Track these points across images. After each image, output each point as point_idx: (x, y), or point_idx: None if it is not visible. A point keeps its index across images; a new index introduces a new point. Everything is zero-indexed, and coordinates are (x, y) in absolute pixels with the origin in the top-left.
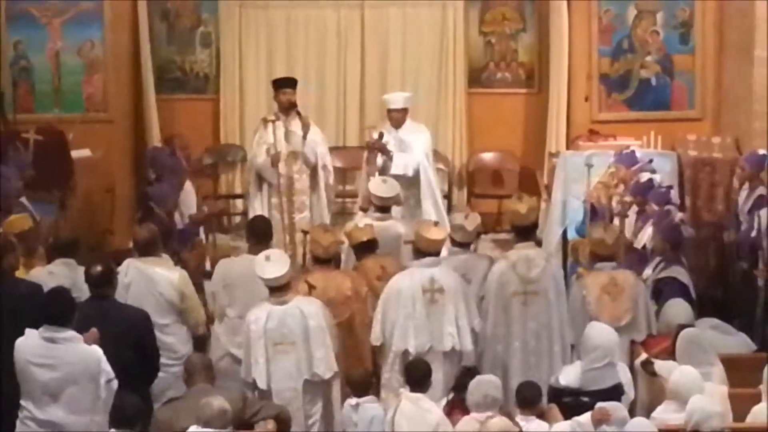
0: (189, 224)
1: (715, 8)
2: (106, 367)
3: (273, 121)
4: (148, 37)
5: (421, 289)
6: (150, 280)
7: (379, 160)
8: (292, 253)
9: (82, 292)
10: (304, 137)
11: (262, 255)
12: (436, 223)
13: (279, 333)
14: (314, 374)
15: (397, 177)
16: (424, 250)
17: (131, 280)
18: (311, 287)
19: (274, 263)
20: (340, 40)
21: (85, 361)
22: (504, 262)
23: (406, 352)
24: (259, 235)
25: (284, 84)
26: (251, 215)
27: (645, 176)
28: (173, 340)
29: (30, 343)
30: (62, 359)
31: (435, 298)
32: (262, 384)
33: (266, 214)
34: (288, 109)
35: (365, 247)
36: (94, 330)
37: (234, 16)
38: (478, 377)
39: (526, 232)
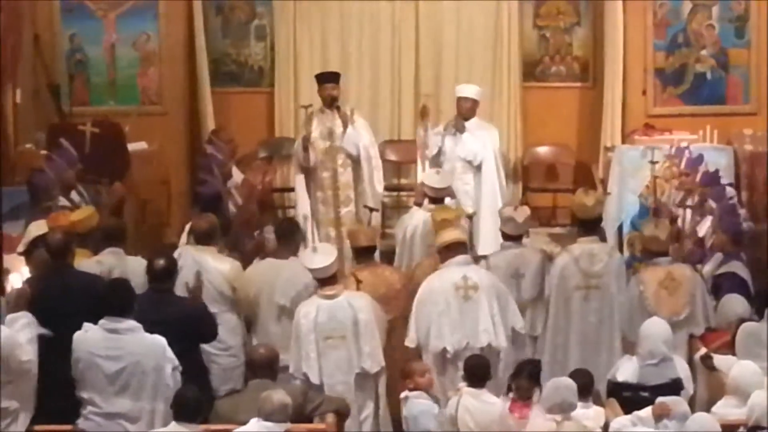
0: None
1: None
2: (171, 355)
3: (306, 107)
4: (203, 30)
5: (453, 286)
6: (202, 269)
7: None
8: (339, 247)
9: (129, 280)
10: (344, 132)
11: (309, 247)
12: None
13: (329, 327)
14: (362, 368)
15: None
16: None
17: (183, 265)
18: (359, 282)
19: (320, 254)
20: (394, 33)
21: (151, 350)
22: (567, 255)
23: (444, 351)
24: (286, 237)
25: (326, 79)
26: (297, 207)
27: (712, 167)
28: (220, 331)
29: (92, 336)
30: (128, 350)
31: (468, 295)
32: (314, 379)
33: (310, 207)
34: (330, 103)
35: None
36: None
37: (288, 9)
38: (555, 380)
39: (591, 225)
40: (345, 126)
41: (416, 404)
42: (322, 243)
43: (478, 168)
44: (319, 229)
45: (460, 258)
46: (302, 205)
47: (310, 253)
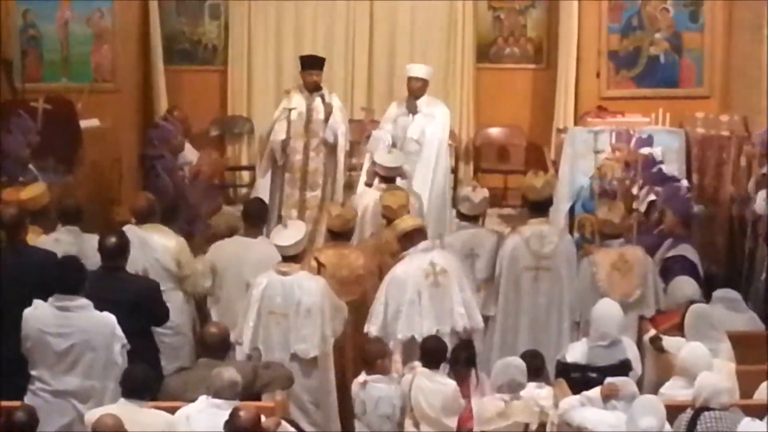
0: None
1: None
2: (120, 332)
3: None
4: (157, 7)
5: (423, 273)
6: (147, 247)
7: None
8: None
9: (87, 259)
10: (326, 121)
11: (280, 224)
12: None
13: (274, 302)
14: (295, 351)
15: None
16: (406, 237)
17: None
18: (321, 266)
19: (289, 231)
20: (348, 13)
21: (100, 328)
22: (517, 236)
23: (413, 339)
24: (254, 217)
25: (311, 65)
26: (257, 187)
27: (646, 151)
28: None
29: (42, 313)
30: (77, 327)
31: (439, 281)
32: (246, 347)
33: (273, 189)
34: (313, 89)
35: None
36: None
37: None
38: (505, 360)
39: (540, 207)
40: (327, 117)
41: (377, 389)
42: (294, 220)
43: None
44: (281, 210)
45: (424, 244)
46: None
47: (280, 228)
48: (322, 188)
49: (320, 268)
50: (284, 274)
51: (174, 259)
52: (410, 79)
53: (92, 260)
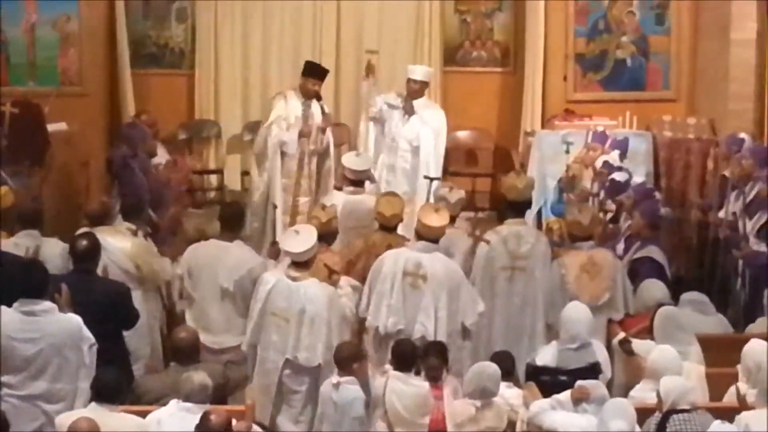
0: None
1: None
2: (87, 333)
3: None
4: (124, 11)
5: (403, 271)
6: (103, 250)
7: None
8: None
9: (46, 263)
10: (323, 131)
11: (292, 229)
12: (437, 209)
13: (277, 305)
14: (296, 357)
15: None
16: (423, 236)
17: None
18: (332, 272)
19: (301, 237)
20: (315, 16)
21: (67, 330)
22: (494, 236)
23: (377, 330)
24: (230, 221)
25: (315, 74)
26: (255, 193)
27: (603, 160)
28: None
29: (8, 320)
30: (44, 331)
31: (417, 284)
32: (245, 343)
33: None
34: (312, 98)
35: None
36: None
37: None
38: (479, 366)
39: (519, 207)
40: (325, 127)
41: (351, 390)
42: (305, 225)
43: (418, 149)
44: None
45: (421, 244)
46: (275, 194)
47: (292, 234)
48: (314, 194)
49: (331, 275)
50: (293, 278)
51: (131, 260)
52: (409, 80)
53: (51, 264)
